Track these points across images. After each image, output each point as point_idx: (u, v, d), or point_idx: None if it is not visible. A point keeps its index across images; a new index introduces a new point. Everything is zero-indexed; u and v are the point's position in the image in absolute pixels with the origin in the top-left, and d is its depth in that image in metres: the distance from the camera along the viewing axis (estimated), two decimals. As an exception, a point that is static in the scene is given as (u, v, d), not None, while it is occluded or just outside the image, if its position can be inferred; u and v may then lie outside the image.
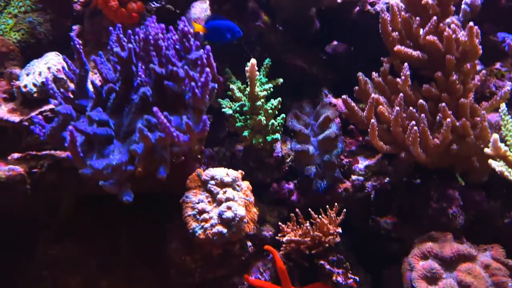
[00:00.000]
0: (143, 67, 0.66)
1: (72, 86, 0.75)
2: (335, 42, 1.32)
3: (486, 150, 0.78)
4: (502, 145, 0.76)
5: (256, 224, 0.93)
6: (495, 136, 0.75)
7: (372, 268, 1.07)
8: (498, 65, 1.19)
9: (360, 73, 1.04)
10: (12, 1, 1.07)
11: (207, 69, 0.57)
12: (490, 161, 0.86)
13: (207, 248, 0.87)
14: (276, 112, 1.02)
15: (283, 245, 0.95)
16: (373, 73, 1.03)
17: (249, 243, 0.94)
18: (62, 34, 1.09)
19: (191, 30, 0.66)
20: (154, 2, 1.14)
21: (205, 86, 0.58)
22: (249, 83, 0.97)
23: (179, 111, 0.62)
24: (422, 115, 0.90)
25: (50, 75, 0.83)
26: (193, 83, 0.59)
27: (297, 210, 0.96)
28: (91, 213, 0.97)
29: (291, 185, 1.04)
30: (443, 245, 0.92)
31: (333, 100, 1.16)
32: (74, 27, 1.14)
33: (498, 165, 0.85)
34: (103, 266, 0.95)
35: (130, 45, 0.62)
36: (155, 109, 0.55)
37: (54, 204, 0.95)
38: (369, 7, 1.14)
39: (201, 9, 1.15)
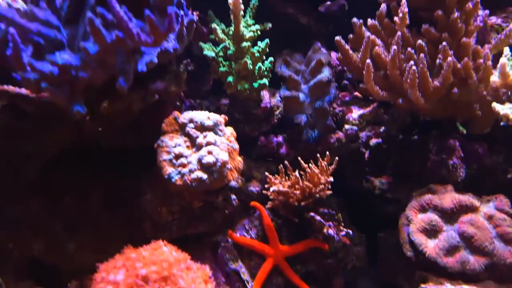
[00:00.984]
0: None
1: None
2: (328, 2, 1.24)
3: (493, 77, 0.71)
4: (510, 72, 0.69)
5: (241, 175, 0.85)
6: (503, 60, 0.67)
7: (367, 231, 1.00)
8: (499, 20, 1.13)
9: (355, 18, 0.96)
10: None
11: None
12: (494, 104, 0.79)
13: (186, 199, 0.79)
14: (264, 57, 0.93)
15: (270, 198, 0.87)
16: (369, 19, 0.95)
17: (233, 196, 0.86)
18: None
19: None
20: None
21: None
22: (232, 20, 0.88)
23: (143, 16, 0.53)
24: (422, 55, 0.83)
25: (4, 2, 0.73)
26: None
27: (286, 162, 0.88)
28: (60, 170, 0.87)
29: (280, 138, 0.96)
30: (443, 196, 0.85)
31: (326, 53, 1.09)
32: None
33: (502, 108, 0.79)
34: (71, 227, 0.86)
35: None
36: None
37: (16, 157, 0.85)
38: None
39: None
